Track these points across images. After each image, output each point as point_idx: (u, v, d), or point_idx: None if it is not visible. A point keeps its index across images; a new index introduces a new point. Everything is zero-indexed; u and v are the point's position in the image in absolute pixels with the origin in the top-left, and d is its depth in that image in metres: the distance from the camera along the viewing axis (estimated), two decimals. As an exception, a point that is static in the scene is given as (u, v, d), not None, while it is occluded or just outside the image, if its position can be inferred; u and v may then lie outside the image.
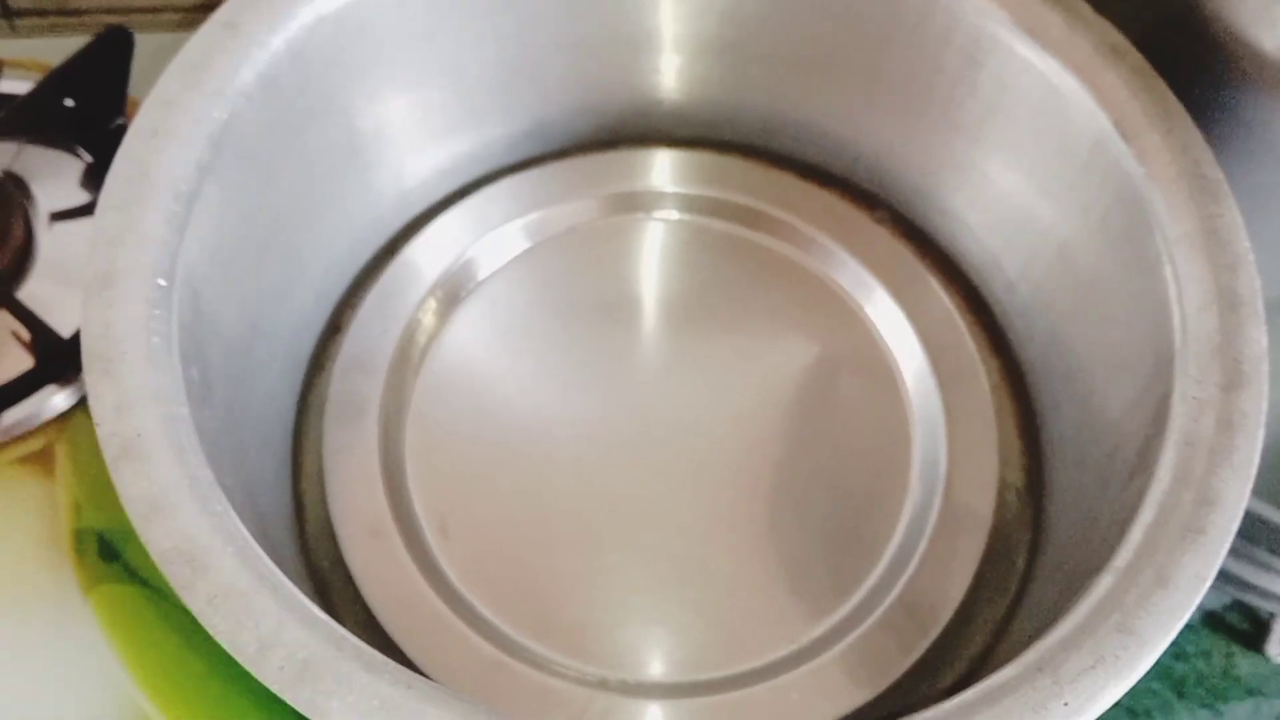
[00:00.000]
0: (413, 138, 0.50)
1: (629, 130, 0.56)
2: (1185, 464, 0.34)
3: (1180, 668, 0.46)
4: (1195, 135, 0.40)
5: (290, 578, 0.31)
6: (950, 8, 0.45)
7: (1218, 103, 0.41)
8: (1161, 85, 0.41)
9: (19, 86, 0.54)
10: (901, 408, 0.49)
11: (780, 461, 0.47)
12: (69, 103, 0.54)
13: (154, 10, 0.58)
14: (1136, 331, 0.40)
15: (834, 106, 0.53)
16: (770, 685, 0.42)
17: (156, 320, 0.34)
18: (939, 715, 0.30)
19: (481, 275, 0.52)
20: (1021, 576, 0.45)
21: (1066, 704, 0.30)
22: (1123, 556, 0.33)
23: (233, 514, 0.32)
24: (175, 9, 0.58)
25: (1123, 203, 0.41)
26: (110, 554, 0.44)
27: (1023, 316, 0.49)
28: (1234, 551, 0.42)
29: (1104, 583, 0.33)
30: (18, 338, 0.48)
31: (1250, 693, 0.45)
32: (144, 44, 0.55)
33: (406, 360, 0.49)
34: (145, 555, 0.40)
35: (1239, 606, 0.47)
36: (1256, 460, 0.34)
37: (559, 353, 0.50)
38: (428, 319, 0.50)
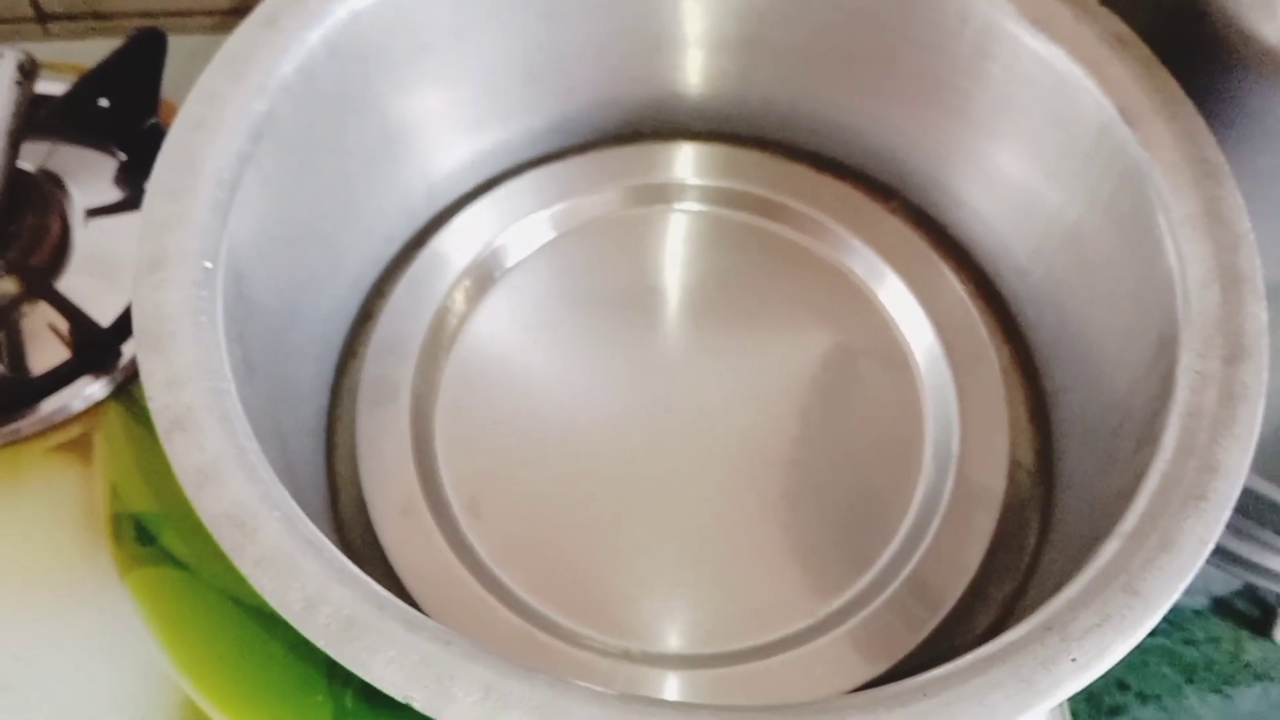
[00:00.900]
0: (442, 130, 0.51)
1: (651, 124, 0.56)
2: (1189, 435, 0.35)
3: (1190, 653, 0.46)
4: (1198, 121, 0.41)
5: (327, 552, 0.33)
6: (961, 2, 0.46)
7: (1220, 90, 0.42)
8: (1165, 73, 0.42)
9: (54, 87, 0.55)
10: (915, 391, 0.50)
11: (797, 443, 0.48)
12: (104, 103, 0.55)
13: (184, 14, 0.59)
14: (1142, 310, 0.40)
15: (849, 100, 0.53)
16: (786, 657, 0.42)
17: (203, 300, 0.36)
18: (952, 671, 0.31)
19: (509, 264, 0.53)
20: (1032, 553, 0.45)
21: (1074, 660, 0.31)
22: (1129, 522, 0.34)
23: (277, 482, 0.33)
24: (206, 12, 0.59)
25: (1128, 186, 0.42)
26: (147, 537, 0.45)
27: (1032, 301, 0.50)
28: (1242, 534, 0.43)
29: (1111, 547, 0.33)
30: (55, 330, 0.49)
31: (1259, 678, 0.46)
32: (175, 46, 0.55)
33: (436, 346, 0.50)
34: (181, 538, 0.41)
35: (1248, 593, 0.48)
36: (1257, 430, 0.35)
37: (583, 339, 0.51)
38: (457, 306, 0.51)
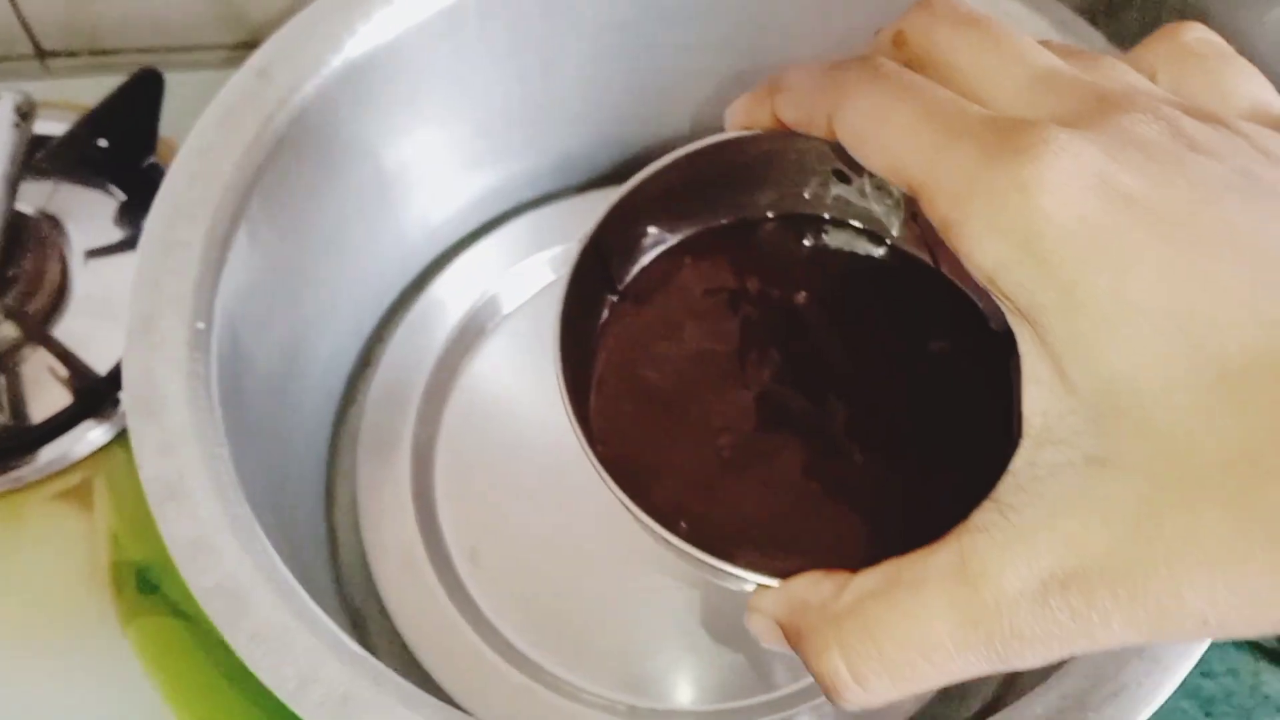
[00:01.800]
0: (439, 175, 0.51)
1: (649, 164, 0.56)
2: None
3: (1208, 685, 0.45)
4: None
5: (326, 609, 0.32)
6: None
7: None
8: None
9: (53, 127, 0.55)
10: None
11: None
12: (102, 143, 0.54)
13: (185, 49, 0.59)
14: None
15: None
16: (795, 714, 0.42)
17: (195, 363, 0.35)
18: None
19: (507, 309, 0.52)
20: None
21: (1092, 730, 0.30)
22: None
23: (272, 552, 0.33)
24: (206, 48, 0.59)
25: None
26: (148, 586, 0.45)
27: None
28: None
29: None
30: (55, 374, 0.49)
31: (1279, 710, 0.45)
32: (175, 83, 0.55)
33: (436, 393, 0.50)
34: (183, 588, 0.40)
35: (1267, 624, 0.47)
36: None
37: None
38: (456, 353, 0.51)
